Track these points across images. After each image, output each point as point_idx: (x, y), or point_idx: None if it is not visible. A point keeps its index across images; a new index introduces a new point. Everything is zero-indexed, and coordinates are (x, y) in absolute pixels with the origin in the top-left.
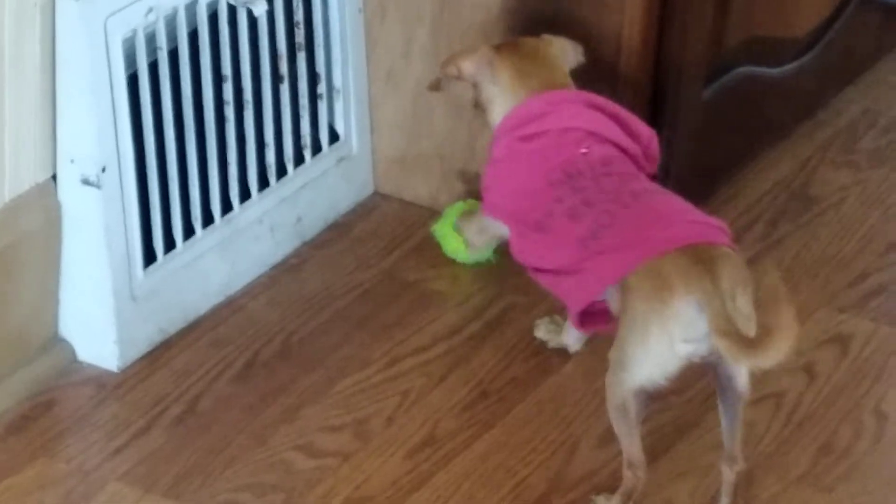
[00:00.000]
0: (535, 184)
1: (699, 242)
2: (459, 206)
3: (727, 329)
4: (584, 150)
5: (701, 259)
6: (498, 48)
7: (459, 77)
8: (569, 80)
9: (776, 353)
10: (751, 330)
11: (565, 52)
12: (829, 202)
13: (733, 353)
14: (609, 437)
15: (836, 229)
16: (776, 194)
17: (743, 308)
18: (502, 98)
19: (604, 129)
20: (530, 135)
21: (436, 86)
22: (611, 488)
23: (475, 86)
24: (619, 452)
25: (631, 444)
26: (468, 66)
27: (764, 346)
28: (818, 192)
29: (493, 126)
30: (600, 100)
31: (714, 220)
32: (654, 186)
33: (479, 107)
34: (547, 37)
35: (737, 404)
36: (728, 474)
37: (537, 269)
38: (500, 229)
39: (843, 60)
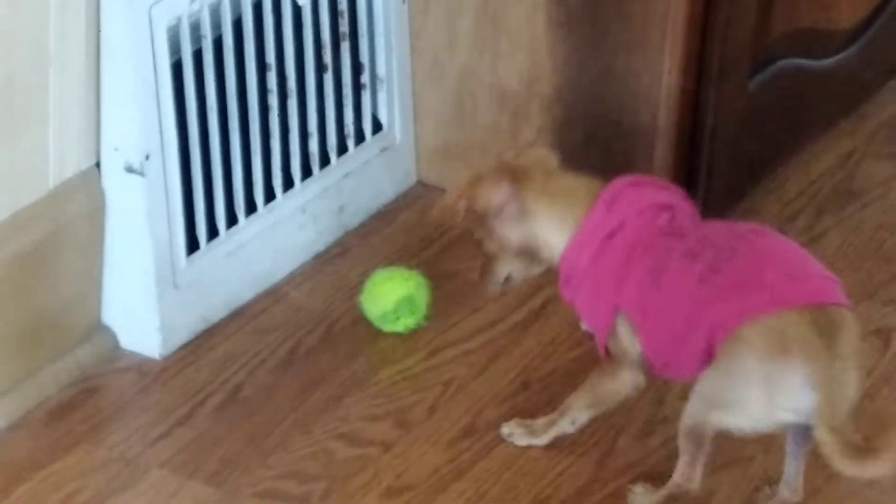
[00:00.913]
0: (638, 260)
1: (822, 303)
2: (381, 273)
3: (834, 427)
4: (666, 218)
5: (823, 327)
6: (511, 175)
7: (488, 211)
8: (593, 181)
9: (873, 471)
10: (845, 407)
11: (552, 159)
12: (872, 195)
13: (833, 455)
14: (650, 429)
15: (880, 222)
16: (819, 187)
17: (849, 385)
18: (555, 226)
19: (667, 198)
20: (611, 231)
21: (449, 214)
22: (651, 479)
23: (495, 222)
24: (661, 444)
25: (693, 465)
26: (495, 197)
27: (865, 463)
28: (861, 185)
29: (551, 255)
30: (637, 177)
31: (831, 274)
32: (766, 228)
33: (509, 245)
34: (530, 151)
35: (807, 446)
36: (787, 498)
37: (665, 362)
38: (627, 340)
39: (887, 53)
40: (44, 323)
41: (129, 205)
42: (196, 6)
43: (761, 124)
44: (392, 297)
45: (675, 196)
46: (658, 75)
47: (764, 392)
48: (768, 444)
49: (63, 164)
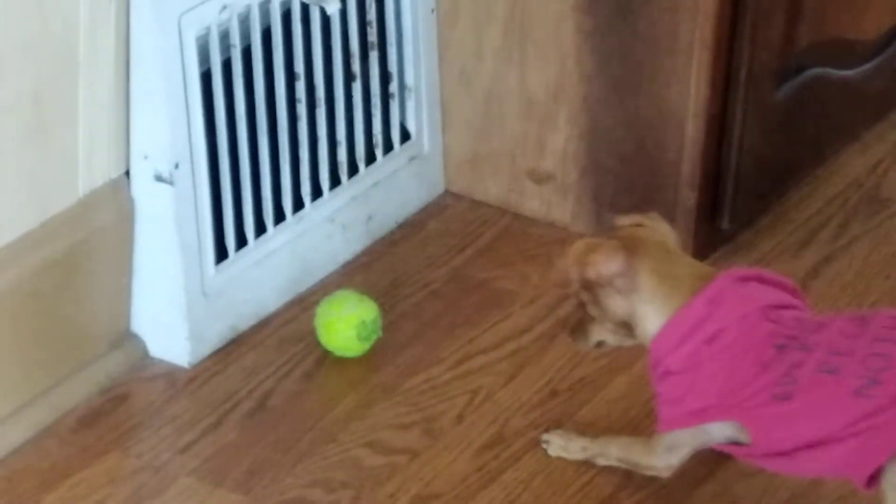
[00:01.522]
0: (746, 373)
1: None
2: (342, 294)
3: None
4: (772, 324)
5: None
6: (627, 247)
7: (598, 283)
8: (704, 269)
9: None
10: None
11: (671, 237)
12: None
13: None
14: None
15: None
16: (847, 196)
17: None
18: (654, 308)
19: (772, 298)
20: (711, 336)
21: (563, 280)
22: (679, 489)
23: (602, 292)
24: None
25: None
26: (609, 268)
27: None
28: (889, 193)
29: (643, 336)
30: (745, 271)
31: None
32: (888, 315)
33: (612, 316)
34: (650, 223)
35: None
36: None
37: (785, 453)
38: (699, 437)
39: None
40: (73, 331)
41: (159, 213)
42: (225, 16)
43: (789, 133)
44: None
45: (782, 294)
46: (685, 84)
47: None
48: None
49: (92, 172)
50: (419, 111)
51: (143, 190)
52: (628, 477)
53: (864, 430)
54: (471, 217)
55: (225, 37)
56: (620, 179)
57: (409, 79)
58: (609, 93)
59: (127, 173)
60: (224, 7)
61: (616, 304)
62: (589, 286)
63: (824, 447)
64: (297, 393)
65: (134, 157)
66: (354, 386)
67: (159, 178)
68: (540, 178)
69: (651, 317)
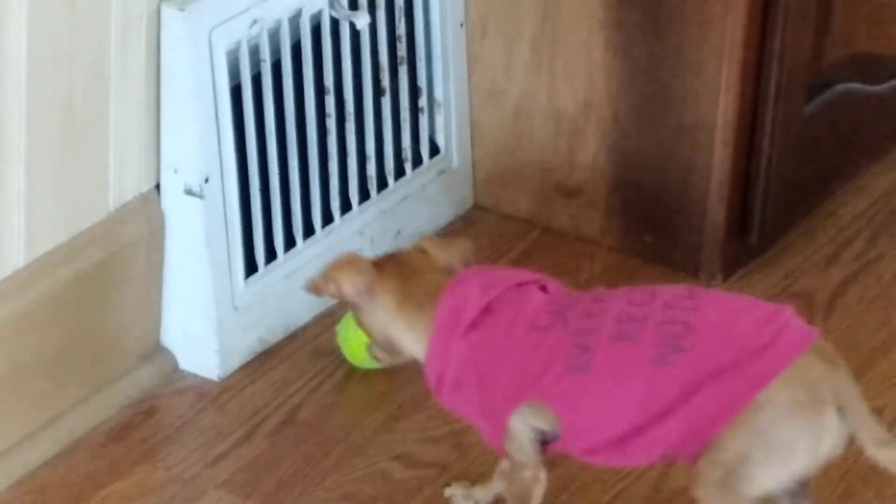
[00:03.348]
0: (523, 341)
1: (812, 342)
2: None
3: (885, 440)
4: (538, 295)
5: (831, 361)
6: (379, 268)
7: (338, 295)
8: (445, 279)
9: None
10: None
11: (449, 253)
12: None
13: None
14: None
15: None
16: (875, 211)
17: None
18: (408, 328)
19: (523, 277)
20: (471, 323)
21: (314, 292)
22: None
23: (353, 308)
24: None
25: None
26: (349, 287)
27: None
28: None
29: (416, 357)
30: (483, 267)
31: (776, 305)
32: (674, 287)
33: (367, 332)
34: (434, 248)
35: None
36: None
37: (596, 449)
38: (525, 432)
39: None
40: (103, 344)
41: (189, 227)
42: (255, 30)
43: (817, 148)
44: None
45: (524, 273)
46: (714, 99)
47: (811, 443)
48: None
49: (123, 186)
50: (448, 126)
51: (173, 204)
52: (657, 490)
53: (692, 404)
54: (500, 231)
55: (255, 51)
56: (649, 194)
57: (439, 93)
58: (638, 108)
59: (157, 187)
60: (254, 21)
61: (367, 321)
62: (344, 301)
63: (657, 427)
64: (326, 406)
65: (164, 170)
66: (383, 399)
67: (189, 192)
68: (569, 192)
69: (409, 338)
